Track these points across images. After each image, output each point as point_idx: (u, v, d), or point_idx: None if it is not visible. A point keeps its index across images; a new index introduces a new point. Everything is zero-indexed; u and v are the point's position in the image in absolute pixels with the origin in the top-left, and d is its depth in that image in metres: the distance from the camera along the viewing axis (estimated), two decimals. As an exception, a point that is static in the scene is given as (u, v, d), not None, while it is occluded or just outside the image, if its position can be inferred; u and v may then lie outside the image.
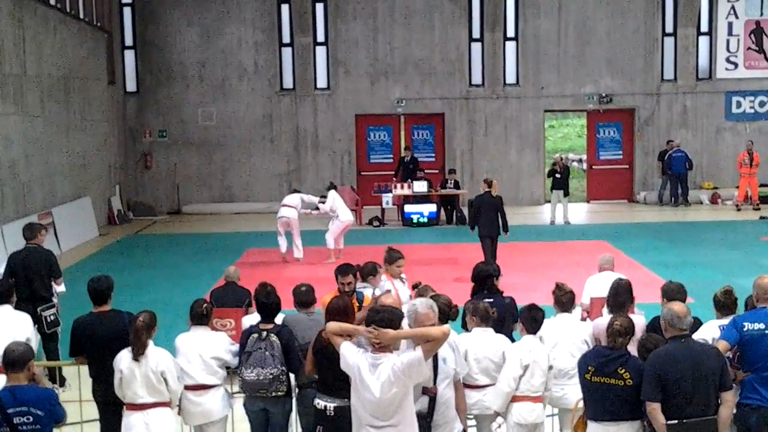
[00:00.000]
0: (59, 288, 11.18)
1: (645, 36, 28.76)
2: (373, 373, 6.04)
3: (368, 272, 9.35)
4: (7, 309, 8.89)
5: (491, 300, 8.39)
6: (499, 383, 7.46)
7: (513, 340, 8.00)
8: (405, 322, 6.35)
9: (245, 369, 7.55)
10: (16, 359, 6.31)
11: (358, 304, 8.56)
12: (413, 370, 6.00)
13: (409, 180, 24.87)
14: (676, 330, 6.59)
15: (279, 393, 7.55)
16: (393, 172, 26.84)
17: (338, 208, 18.94)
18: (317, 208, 19.24)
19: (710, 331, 7.43)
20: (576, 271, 14.86)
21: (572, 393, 7.64)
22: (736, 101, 28.96)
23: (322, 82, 28.88)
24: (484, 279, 8.84)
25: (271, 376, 7.46)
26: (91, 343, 7.82)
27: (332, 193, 19.23)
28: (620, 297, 8.06)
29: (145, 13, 28.53)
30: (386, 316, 6.14)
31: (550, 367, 7.60)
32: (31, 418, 6.14)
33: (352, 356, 6.18)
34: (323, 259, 18.48)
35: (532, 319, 7.64)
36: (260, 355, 7.49)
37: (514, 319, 8.37)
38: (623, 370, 6.61)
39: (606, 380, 6.64)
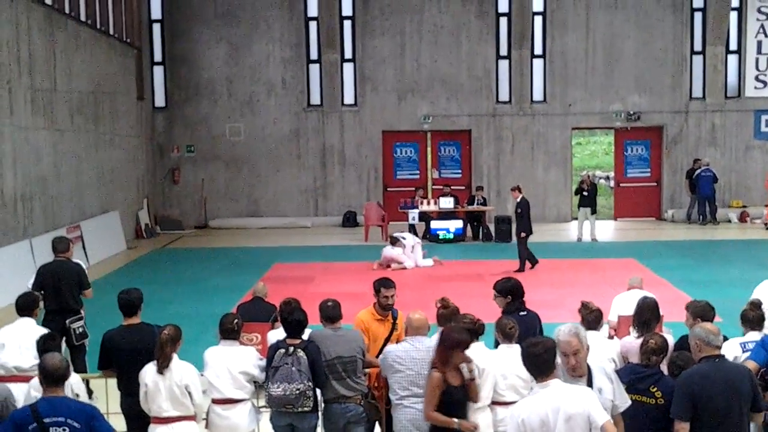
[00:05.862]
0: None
1: (673, 54, 28.65)
2: None
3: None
4: (29, 322, 8.79)
5: (525, 313, 8.36)
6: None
7: None
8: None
9: (272, 384, 7.51)
10: (61, 376, 6.24)
11: (392, 320, 8.52)
12: None
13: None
14: (712, 348, 6.45)
15: (305, 408, 7.50)
16: (419, 188, 26.88)
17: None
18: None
19: (731, 350, 7.35)
20: (603, 288, 14.79)
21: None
22: (765, 120, 28.75)
23: (349, 99, 28.98)
24: (522, 292, 8.64)
25: (297, 392, 7.42)
26: (121, 356, 7.85)
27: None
28: (644, 315, 7.99)
29: (174, 29, 28.77)
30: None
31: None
32: (68, 430, 6.07)
33: None
34: (351, 274, 18.67)
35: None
36: (287, 371, 7.46)
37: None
38: (655, 389, 6.55)
39: (637, 398, 6.55)
